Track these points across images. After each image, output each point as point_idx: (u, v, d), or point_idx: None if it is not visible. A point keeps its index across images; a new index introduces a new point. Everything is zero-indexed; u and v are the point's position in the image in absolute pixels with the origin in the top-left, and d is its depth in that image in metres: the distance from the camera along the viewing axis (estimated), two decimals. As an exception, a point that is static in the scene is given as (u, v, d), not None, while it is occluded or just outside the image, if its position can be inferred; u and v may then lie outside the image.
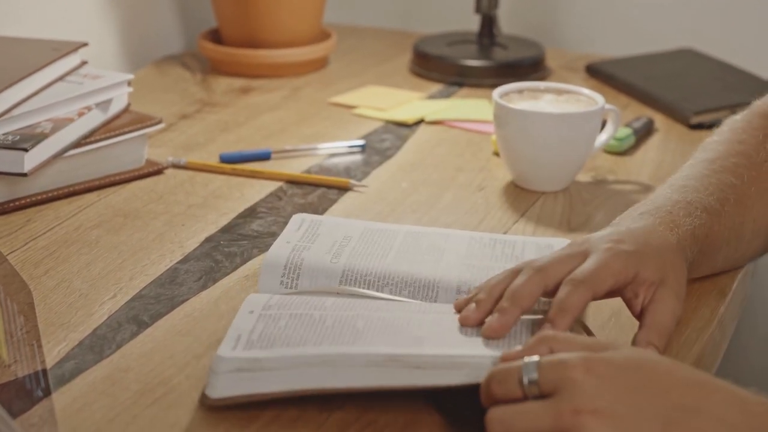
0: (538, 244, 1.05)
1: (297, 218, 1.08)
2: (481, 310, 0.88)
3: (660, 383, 0.73)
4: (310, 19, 1.64)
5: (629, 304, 0.92)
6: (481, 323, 0.87)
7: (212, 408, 0.82)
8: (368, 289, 0.97)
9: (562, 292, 0.87)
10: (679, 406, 0.71)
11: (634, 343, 0.89)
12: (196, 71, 1.63)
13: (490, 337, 0.85)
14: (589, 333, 0.93)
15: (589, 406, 0.71)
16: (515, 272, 0.90)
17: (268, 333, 0.85)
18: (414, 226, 1.10)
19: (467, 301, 0.90)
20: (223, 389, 0.81)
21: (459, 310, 0.90)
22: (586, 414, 0.70)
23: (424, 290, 0.97)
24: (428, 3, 1.91)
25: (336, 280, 0.98)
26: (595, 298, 0.89)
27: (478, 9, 1.66)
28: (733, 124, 1.12)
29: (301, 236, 1.04)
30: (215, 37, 1.67)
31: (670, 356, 0.91)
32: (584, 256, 0.90)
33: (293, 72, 1.62)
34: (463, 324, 0.87)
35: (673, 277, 0.92)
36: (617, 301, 0.93)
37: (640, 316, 0.91)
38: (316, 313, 0.88)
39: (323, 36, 1.67)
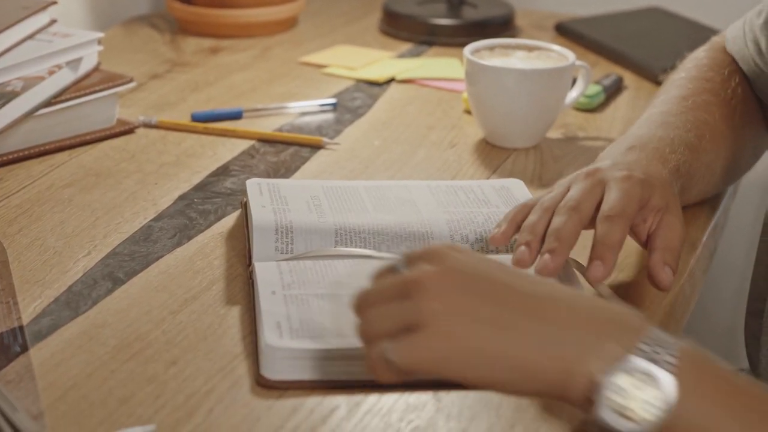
0: (494, 186, 1.08)
1: (253, 183, 1.06)
2: (534, 250, 0.90)
3: (500, 292, 0.73)
4: (279, -22, 1.64)
5: (636, 231, 0.94)
6: (533, 263, 0.90)
7: (264, 386, 0.81)
8: (365, 245, 0.97)
9: (602, 229, 0.90)
10: (515, 309, 0.72)
11: (650, 265, 0.92)
12: (165, 31, 1.63)
13: (545, 275, 0.88)
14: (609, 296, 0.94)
15: (430, 304, 0.72)
16: (547, 209, 0.92)
17: (307, 320, 0.84)
18: (368, 181, 1.10)
19: (504, 238, 0.93)
20: (282, 373, 0.81)
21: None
22: (426, 311, 0.71)
23: (420, 242, 0.97)
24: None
25: (331, 239, 0.97)
26: (630, 226, 0.92)
27: (449, -33, 1.66)
28: (697, 61, 1.16)
29: (270, 200, 1.03)
30: (184, -3, 1.66)
31: (642, 309, 0.93)
32: (603, 185, 0.93)
33: (262, 32, 1.62)
34: (519, 266, 0.90)
35: (674, 203, 0.95)
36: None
37: (647, 241, 0.94)
38: (341, 291, 0.87)
39: (292, -5, 1.67)
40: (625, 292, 0.96)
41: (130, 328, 0.88)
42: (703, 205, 1.12)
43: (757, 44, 1.11)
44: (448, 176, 1.18)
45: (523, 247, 0.91)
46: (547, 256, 0.89)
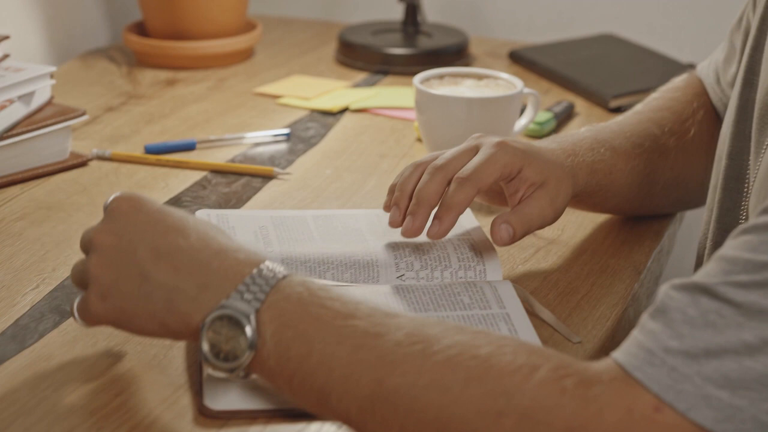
0: None
1: (202, 214, 1.08)
2: (402, 209, 0.98)
3: (141, 255, 0.81)
4: (234, 10, 1.65)
5: (509, 198, 1.00)
6: (403, 219, 0.98)
7: (208, 416, 0.82)
8: (310, 274, 0.98)
9: (450, 189, 0.96)
10: (152, 269, 0.80)
11: (494, 220, 0.97)
12: (122, 64, 1.63)
13: (409, 237, 0.97)
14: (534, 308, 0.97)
15: (90, 266, 0.82)
16: (419, 167, 1.00)
17: None
18: (316, 210, 1.11)
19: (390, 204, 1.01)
20: (225, 403, 0.82)
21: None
22: (89, 271, 0.82)
23: (365, 270, 0.98)
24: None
25: None
26: (481, 191, 0.97)
27: (401, -3, 1.68)
28: (673, 82, 1.19)
29: None
30: (141, 29, 1.67)
31: (584, 332, 0.94)
32: (476, 149, 0.98)
33: (219, 63, 1.63)
34: (393, 226, 0.99)
35: (555, 185, 0.99)
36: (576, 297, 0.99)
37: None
38: None
39: (248, 27, 1.68)
40: (568, 315, 0.97)
41: (75, 361, 0.89)
42: (648, 229, 1.13)
43: (717, 73, 1.14)
44: (398, 204, 1.19)
45: (394, 208, 0.98)
46: (409, 217, 0.97)
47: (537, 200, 0.98)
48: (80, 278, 0.84)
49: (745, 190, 0.94)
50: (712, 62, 1.16)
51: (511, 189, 0.99)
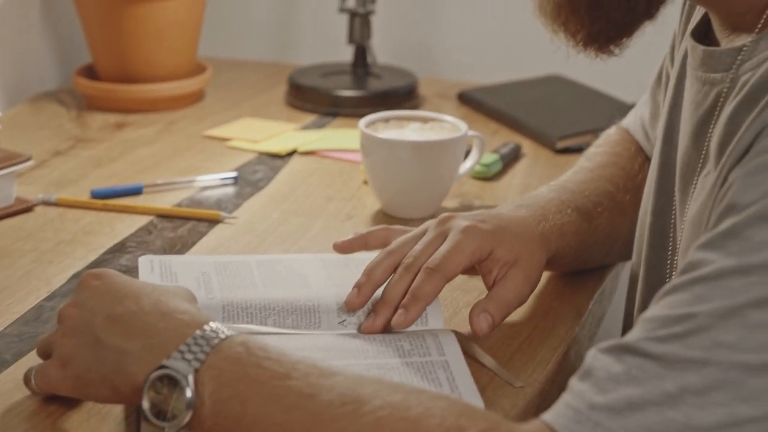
0: None
1: (145, 261, 1.08)
2: (363, 296, 0.98)
3: (97, 323, 0.84)
4: (184, 53, 1.65)
5: (484, 279, 1.00)
6: (362, 306, 0.98)
7: None
8: (252, 320, 0.98)
9: (417, 280, 0.96)
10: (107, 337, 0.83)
11: (472, 309, 0.97)
12: (72, 107, 1.63)
13: (367, 333, 0.96)
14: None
15: (55, 337, 0.86)
16: (391, 254, 0.99)
17: None
18: (262, 255, 1.12)
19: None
20: None
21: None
22: (54, 343, 0.86)
23: (307, 316, 0.99)
24: (304, 35, 1.93)
25: (219, 316, 0.98)
26: (449, 281, 0.97)
27: (351, 39, 1.69)
28: (608, 137, 1.20)
29: (160, 278, 1.04)
30: (91, 72, 1.67)
31: (524, 376, 0.95)
32: (445, 236, 0.98)
33: (169, 106, 1.63)
34: (349, 308, 0.98)
35: (528, 260, 0.99)
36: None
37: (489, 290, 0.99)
38: None
39: (199, 69, 1.69)
40: (509, 359, 0.98)
41: (14, 410, 0.88)
42: (591, 271, 1.14)
43: (644, 130, 1.15)
44: (343, 248, 1.19)
45: (354, 290, 0.98)
46: (371, 316, 0.97)
47: (512, 280, 0.98)
48: (45, 349, 0.88)
49: (671, 246, 0.95)
50: (638, 118, 1.17)
51: (484, 270, 0.99)
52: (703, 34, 0.90)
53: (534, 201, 1.07)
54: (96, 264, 1.14)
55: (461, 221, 0.99)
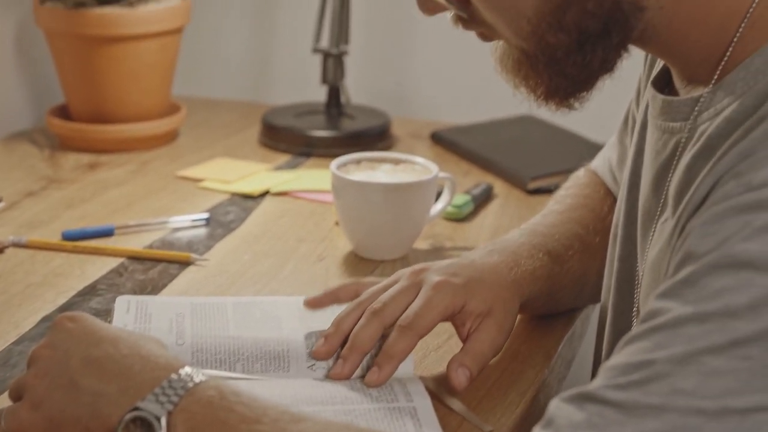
0: None
1: (122, 301, 1.08)
2: (329, 345, 0.98)
3: (72, 365, 0.85)
4: (158, 93, 1.66)
5: (457, 331, 1.01)
6: (330, 356, 0.97)
7: None
8: (221, 365, 0.98)
9: (390, 338, 0.96)
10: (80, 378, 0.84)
11: (449, 363, 0.97)
12: (45, 147, 1.63)
13: (336, 379, 0.96)
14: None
15: (28, 379, 0.87)
16: (361, 305, 0.99)
17: None
18: (238, 297, 1.12)
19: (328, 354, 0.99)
20: None
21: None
22: (26, 385, 0.86)
23: (276, 360, 0.99)
24: (278, 74, 1.94)
25: (188, 361, 0.97)
26: (422, 338, 0.97)
27: (324, 80, 1.70)
28: (577, 179, 1.21)
29: (134, 319, 1.04)
30: (64, 112, 1.67)
31: (493, 420, 0.95)
32: (418, 288, 0.99)
33: (142, 146, 1.63)
34: (315, 358, 0.98)
35: (501, 310, 1.00)
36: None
37: (464, 341, 1.00)
38: None
39: (172, 109, 1.69)
40: (478, 403, 0.98)
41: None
42: (561, 314, 1.14)
43: (612, 173, 1.16)
44: (314, 290, 1.19)
45: (322, 340, 0.98)
46: (340, 361, 0.97)
47: (485, 332, 0.99)
48: (17, 390, 0.88)
49: (636, 293, 0.96)
50: (606, 160, 1.18)
51: (457, 322, 1.00)
52: (664, 83, 0.92)
53: (506, 246, 1.07)
54: (66, 307, 1.14)
55: (433, 276, 0.99)
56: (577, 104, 0.88)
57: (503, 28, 0.84)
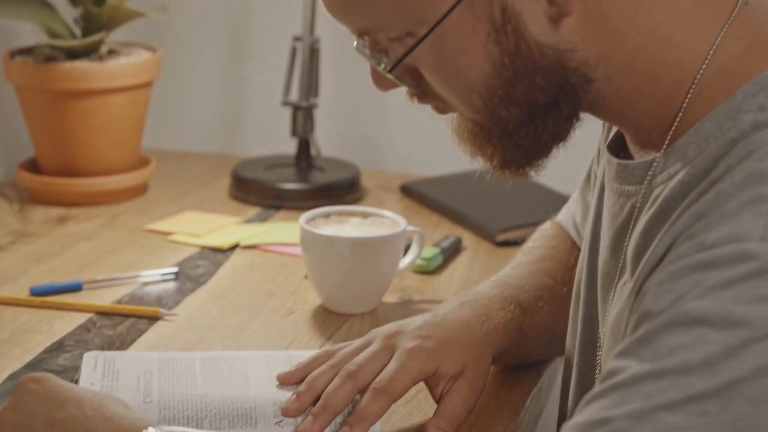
0: None
1: (89, 357, 1.08)
2: (300, 403, 0.97)
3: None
4: (127, 146, 1.66)
5: (431, 392, 1.01)
6: (300, 413, 0.97)
7: None
8: (188, 423, 0.98)
9: (364, 400, 0.97)
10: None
11: (427, 428, 0.98)
12: (14, 201, 1.63)
13: None
14: None
15: None
16: (334, 367, 0.99)
17: None
18: (206, 352, 1.12)
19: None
20: None
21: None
22: None
23: (243, 417, 0.98)
24: (248, 127, 1.95)
25: (155, 419, 0.97)
26: (395, 402, 0.98)
27: (294, 133, 1.70)
28: (544, 231, 1.23)
29: (101, 375, 1.04)
30: (34, 166, 1.67)
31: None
32: (392, 352, 0.99)
33: (111, 200, 1.63)
34: (285, 415, 0.97)
35: (473, 368, 1.01)
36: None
37: (438, 402, 1.01)
38: None
39: (142, 162, 1.69)
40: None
41: None
42: (528, 368, 1.15)
43: (576, 228, 1.17)
44: (283, 345, 1.20)
45: (293, 396, 0.98)
46: (309, 418, 0.96)
47: (458, 393, 1.00)
48: None
49: (598, 356, 0.97)
50: (570, 215, 1.19)
51: (431, 384, 1.01)
52: (619, 146, 0.93)
53: (477, 298, 1.08)
54: (33, 364, 1.14)
55: (407, 341, 1.00)
56: (532, 172, 0.89)
57: (456, 103, 0.86)
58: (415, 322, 1.04)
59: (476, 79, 0.83)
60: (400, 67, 0.86)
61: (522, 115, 0.84)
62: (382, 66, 0.87)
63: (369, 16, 0.83)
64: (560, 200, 1.57)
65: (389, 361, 0.99)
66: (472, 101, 0.84)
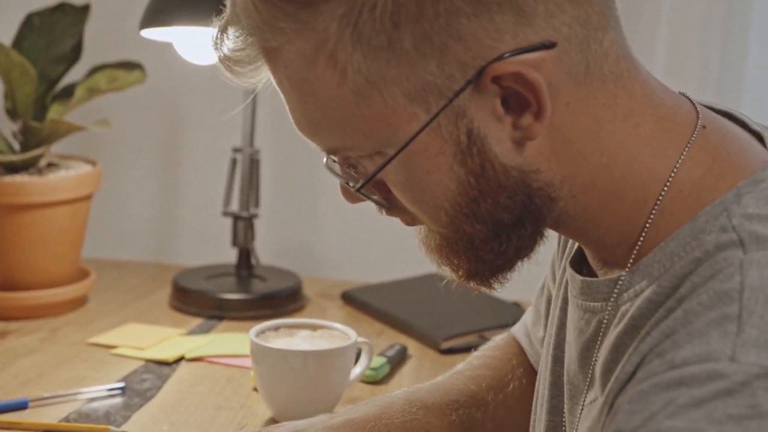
0: None
1: None
2: None
3: None
4: (67, 258, 1.65)
5: None
6: None
7: None
8: None
9: None
10: None
11: None
12: (-49, 316, 1.61)
13: None
14: None
15: None
16: None
17: None
18: None
19: None
20: None
21: None
22: None
23: None
24: (187, 236, 1.95)
25: None
26: None
27: (234, 243, 1.71)
28: (494, 342, 1.24)
29: None
30: (-29, 279, 1.65)
31: None
32: None
33: (52, 312, 1.62)
34: None
35: None
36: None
37: None
38: None
39: (82, 274, 1.68)
40: None
41: None
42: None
43: (528, 336, 1.19)
44: (236, 460, 1.19)
45: None
46: None
47: None
48: None
49: None
50: (523, 324, 1.22)
51: None
52: (580, 262, 0.95)
53: (378, 402, 1.10)
54: (-17, 487, 1.12)
55: None
56: (497, 285, 0.91)
57: (424, 218, 0.88)
58: (311, 421, 1.06)
59: (442, 197, 0.85)
60: (370, 182, 0.87)
61: (487, 232, 0.85)
62: (351, 184, 0.88)
63: (339, 136, 0.85)
64: (503, 307, 1.59)
65: None
66: (438, 217, 0.86)
